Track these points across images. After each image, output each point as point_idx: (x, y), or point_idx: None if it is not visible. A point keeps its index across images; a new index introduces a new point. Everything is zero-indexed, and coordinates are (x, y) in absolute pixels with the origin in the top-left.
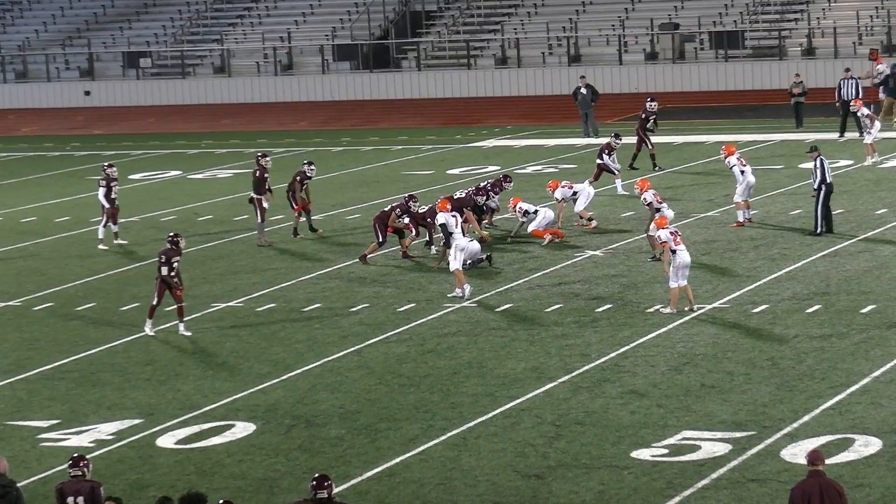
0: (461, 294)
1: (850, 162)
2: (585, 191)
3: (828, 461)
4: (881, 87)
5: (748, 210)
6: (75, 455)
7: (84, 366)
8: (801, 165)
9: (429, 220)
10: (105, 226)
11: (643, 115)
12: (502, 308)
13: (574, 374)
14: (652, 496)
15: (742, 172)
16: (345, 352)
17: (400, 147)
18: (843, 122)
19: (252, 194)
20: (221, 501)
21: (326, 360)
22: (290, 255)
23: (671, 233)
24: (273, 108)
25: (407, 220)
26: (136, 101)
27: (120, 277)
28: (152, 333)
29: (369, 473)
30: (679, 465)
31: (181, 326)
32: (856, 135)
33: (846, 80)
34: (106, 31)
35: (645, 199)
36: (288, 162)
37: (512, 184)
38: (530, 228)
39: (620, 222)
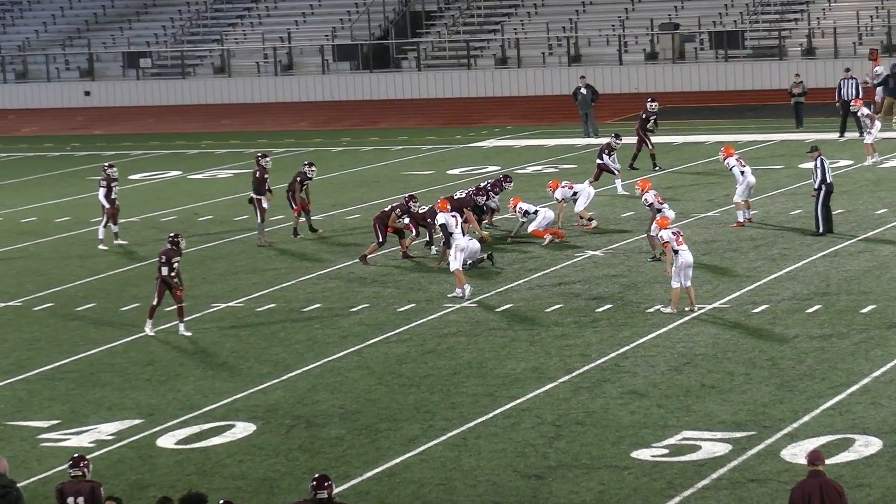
0: (461, 294)
1: (850, 162)
2: (585, 191)
3: (828, 461)
4: (881, 88)
5: (748, 210)
6: (75, 455)
7: (84, 366)
8: (801, 165)
9: (429, 220)
10: (105, 226)
11: (643, 116)
12: (502, 308)
13: (574, 374)
14: (652, 496)
15: (742, 173)
16: (345, 352)
17: (400, 147)
18: (843, 122)
19: (252, 195)
20: (222, 502)
21: (326, 360)
22: (290, 256)
23: (673, 233)
24: (273, 109)
25: (407, 220)
26: (136, 102)
27: (120, 278)
28: (152, 334)
29: (369, 474)
30: (679, 465)
31: (181, 327)
32: (856, 135)
33: (846, 81)
34: (106, 32)
35: (646, 199)
36: (288, 162)
37: (512, 184)
38: (530, 229)
39: (620, 222)
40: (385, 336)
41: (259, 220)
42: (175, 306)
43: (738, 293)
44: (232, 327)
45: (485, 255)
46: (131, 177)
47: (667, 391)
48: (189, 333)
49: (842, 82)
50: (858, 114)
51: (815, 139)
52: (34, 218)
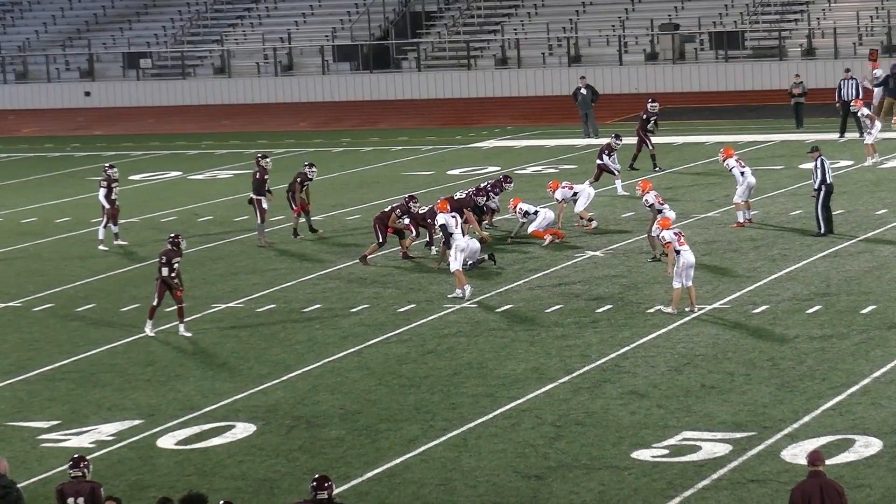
0: (461, 295)
1: (850, 162)
2: (586, 191)
3: (828, 462)
4: (881, 88)
5: (748, 211)
6: (76, 456)
7: (84, 366)
8: (801, 166)
9: (429, 220)
10: (105, 227)
11: (644, 116)
12: (502, 309)
13: (574, 374)
14: (652, 497)
15: (742, 174)
16: (345, 352)
17: (400, 148)
18: (843, 122)
19: (252, 195)
20: (222, 502)
21: (327, 360)
22: (291, 256)
23: (675, 233)
24: (273, 109)
25: (407, 220)
26: (137, 102)
27: (120, 278)
28: (152, 334)
29: (370, 474)
30: (679, 465)
31: (181, 327)
32: (856, 135)
33: (846, 81)
34: (106, 32)
35: (646, 200)
36: (288, 162)
37: (512, 184)
38: (530, 229)
39: (620, 223)
40: (385, 336)
41: (259, 221)
42: (175, 307)
43: (738, 293)
44: (232, 328)
45: (486, 256)
46: (131, 177)
47: (667, 391)
48: (189, 334)
49: (842, 83)
50: (858, 114)
51: (816, 140)
52: (34, 218)
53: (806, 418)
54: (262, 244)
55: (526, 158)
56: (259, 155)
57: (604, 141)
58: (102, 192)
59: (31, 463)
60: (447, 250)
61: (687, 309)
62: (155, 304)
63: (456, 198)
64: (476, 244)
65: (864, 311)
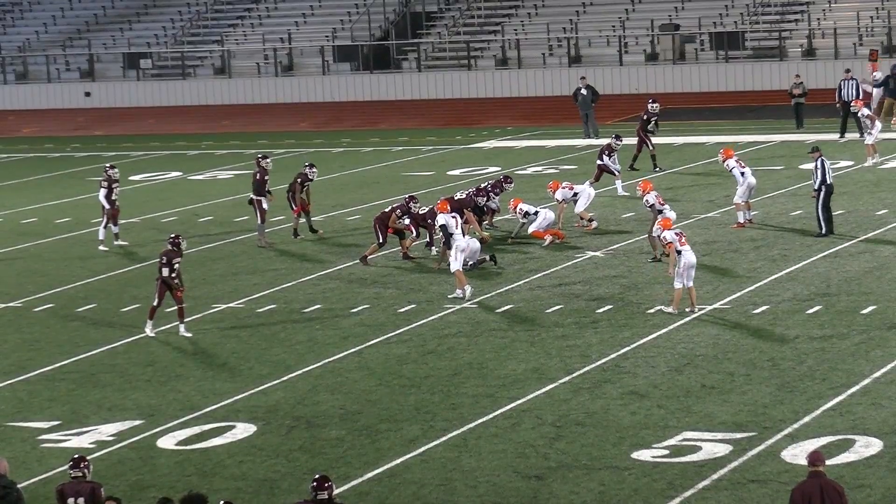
0: (462, 295)
1: (850, 163)
2: (586, 192)
3: (828, 462)
4: (881, 88)
5: (749, 211)
6: (76, 456)
7: (84, 367)
8: (801, 166)
9: (429, 221)
10: (105, 227)
11: (644, 117)
12: (503, 309)
13: (574, 374)
14: (653, 497)
15: (742, 174)
16: (345, 353)
17: (400, 148)
18: (843, 122)
19: (252, 196)
20: (222, 502)
21: (327, 361)
22: (291, 257)
23: (676, 234)
24: (273, 109)
25: (407, 221)
26: (137, 103)
27: (120, 278)
28: (153, 334)
29: (370, 474)
30: (680, 465)
31: (182, 327)
32: (856, 135)
33: (846, 81)
34: (106, 32)
35: (647, 200)
36: (288, 163)
37: (512, 185)
38: (531, 230)
39: (621, 223)
40: (385, 337)
41: (259, 221)
42: (175, 307)
43: (738, 294)
44: (232, 328)
45: (487, 257)
46: (132, 178)
47: (667, 392)
48: (189, 334)
49: (842, 83)
50: (859, 114)
51: (816, 140)
52: (34, 219)
53: (806, 418)
54: (262, 244)
55: (526, 159)
56: (259, 156)
57: (604, 141)
58: (103, 192)
59: (32, 463)
60: (447, 251)
61: (687, 309)
62: (155, 304)
63: (456, 198)
64: (476, 244)
65: (865, 312)
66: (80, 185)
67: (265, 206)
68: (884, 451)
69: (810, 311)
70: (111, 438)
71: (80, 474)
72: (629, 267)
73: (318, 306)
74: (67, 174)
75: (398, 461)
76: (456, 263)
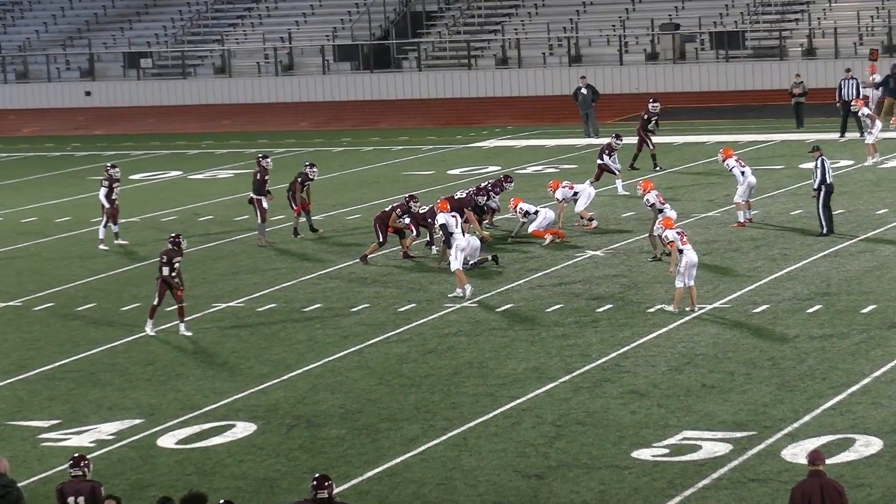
0: (462, 294)
1: (850, 162)
2: (586, 191)
3: (828, 461)
4: (881, 88)
5: (749, 210)
6: (76, 455)
7: (85, 366)
8: (801, 165)
9: (429, 220)
10: (105, 226)
11: (644, 116)
12: (503, 308)
13: (575, 374)
14: (653, 496)
15: (742, 173)
16: (345, 352)
17: (400, 147)
18: (843, 122)
19: (252, 195)
20: (222, 501)
21: (327, 360)
22: (291, 256)
23: (678, 233)
24: (273, 109)
25: (407, 220)
26: (137, 102)
27: (120, 278)
28: (153, 333)
29: (370, 473)
30: (680, 465)
31: (182, 326)
32: (856, 135)
33: (847, 81)
34: (106, 32)
35: (647, 200)
36: (288, 162)
37: (512, 184)
38: (531, 229)
39: (621, 222)
40: (385, 336)
41: (259, 221)
42: (176, 306)
43: (738, 293)
44: (232, 327)
45: (489, 257)
46: (132, 177)
47: (667, 391)
48: (189, 333)
49: (842, 82)
50: (859, 114)
51: (816, 139)
52: (35, 218)
53: (806, 418)
54: (262, 244)
55: (526, 158)
56: (260, 155)
57: (604, 141)
58: (103, 191)
59: (32, 462)
60: (447, 250)
61: (687, 308)
62: (155, 303)
63: (456, 197)
64: (476, 242)
65: (865, 311)
66: (81, 184)
67: (265, 205)
68: (884, 450)
69: (810, 310)
70: (111, 437)
71: (80, 473)
72: (629, 266)
73: (319, 305)
74: (67, 173)
75: (398, 460)
76: (456, 262)
